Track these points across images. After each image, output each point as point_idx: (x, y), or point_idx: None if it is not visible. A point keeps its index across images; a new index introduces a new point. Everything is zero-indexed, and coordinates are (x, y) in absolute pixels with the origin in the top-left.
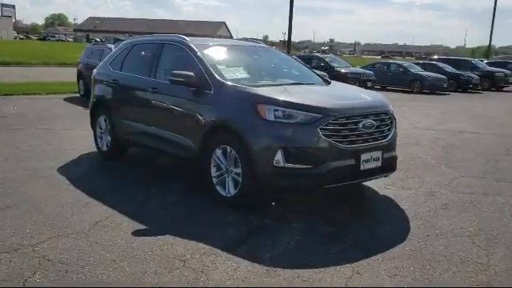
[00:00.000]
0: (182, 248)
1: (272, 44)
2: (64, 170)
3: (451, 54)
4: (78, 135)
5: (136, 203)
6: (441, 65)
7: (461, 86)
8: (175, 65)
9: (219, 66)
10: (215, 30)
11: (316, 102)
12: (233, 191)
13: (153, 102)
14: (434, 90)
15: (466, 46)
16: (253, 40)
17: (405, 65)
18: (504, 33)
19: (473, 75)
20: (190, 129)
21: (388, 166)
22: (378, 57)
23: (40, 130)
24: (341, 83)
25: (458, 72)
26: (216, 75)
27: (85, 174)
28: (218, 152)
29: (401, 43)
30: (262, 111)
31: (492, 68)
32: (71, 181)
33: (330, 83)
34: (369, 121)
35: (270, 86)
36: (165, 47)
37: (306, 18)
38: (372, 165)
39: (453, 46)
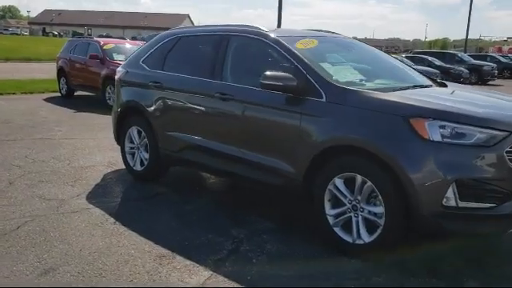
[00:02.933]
0: None
1: None
2: (96, 198)
3: (409, 47)
4: (86, 146)
5: (228, 252)
6: (430, 58)
7: (451, 80)
8: (252, 63)
9: (323, 65)
10: (178, 22)
11: (490, 113)
12: (366, 237)
13: (222, 110)
14: None
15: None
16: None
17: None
18: (458, 27)
19: (462, 69)
20: (286, 149)
21: None
22: None
23: (37, 140)
24: (456, 84)
25: (448, 66)
26: (327, 78)
27: (129, 206)
28: (338, 182)
29: (360, 37)
30: (422, 128)
31: (479, 61)
32: (117, 217)
33: (445, 85)
34: None
35: (398, 90)
36: (232, 40)
37: (263, 10)
38: None
39: (410, 38)
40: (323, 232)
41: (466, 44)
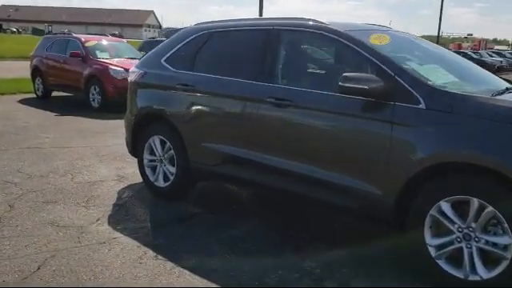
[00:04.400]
0: None
1: None
2: (120, 224)
3: None
4: (84, 156)
5: None
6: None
7: None
8: (315, 63)
9: (410, 64)
10: (143, 18)
11: None
12: (483, 272)
13: (277, 118)
14: None
15: None
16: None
17: None
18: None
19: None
20: (370, 165)
21: None
22: None
23: (25, 149)
24: None
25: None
26: (423, 80)
27: (165, 232)
28: (445, 206)
29: None
30: None
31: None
32: (156, 249)
33: None
34: None
35: (499, 94)
36: (284, 36)
37: (231, 7)
38: None
39: None
40: (420, 264)
41: (438, 41)
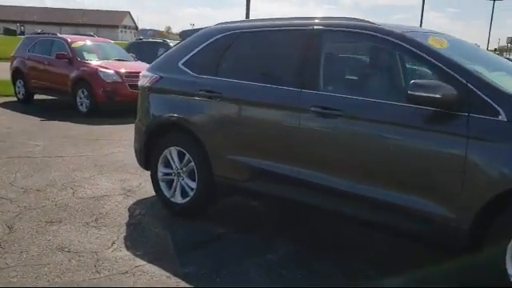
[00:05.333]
0: None
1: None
2: (140, 248)
3: None
4: (81, 166)
5: None
6: None
7: None
8: (368, 68)
9: (482, 72)
10: (119, 19)
11: None
12: None
13: (323, 130)
14: None
15: None
16: None
17: None
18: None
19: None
20: (439, 184)
21: None
22: None
23: (15, 159)
24: None
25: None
26: (501, 88)
27: (194, 258)
28: None
29: None
30: None
31: None
32: (190, 281)
33: None
34: None
35: None
36: (326, 37)
37: (207, 9)
38: None
39: None
40: None
41: None
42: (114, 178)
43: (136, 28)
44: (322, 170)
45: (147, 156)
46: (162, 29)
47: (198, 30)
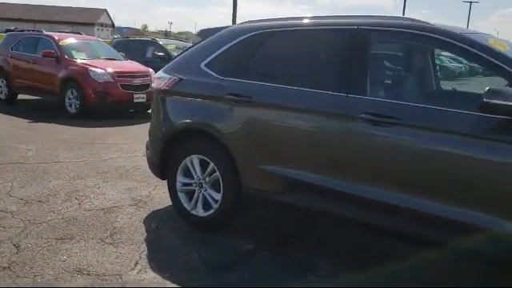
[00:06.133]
0: None
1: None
2: (166, 270)
3: None
4: (81, 173)
5: None
6: None
7: None
8: (425, 72)
9: None
10: (96, 17)
11: None
12: None
13: (375, 140)
14: None
15: None
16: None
17: None
18: None
19: None
20: None
21: None
22: None
23: (7, 165)
24: None
25: None
26: None
27: (227, 279)
28: None
29: None
30: None
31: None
32: None
33: None
34: None
35: None
36: (375, 38)
37: (183, 8)
38: None
39: None
40: None
41: None
42: (120, 187)
43: (113, 26)
44: (369, 182)
45: (163, 164)
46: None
47: (220, 28)
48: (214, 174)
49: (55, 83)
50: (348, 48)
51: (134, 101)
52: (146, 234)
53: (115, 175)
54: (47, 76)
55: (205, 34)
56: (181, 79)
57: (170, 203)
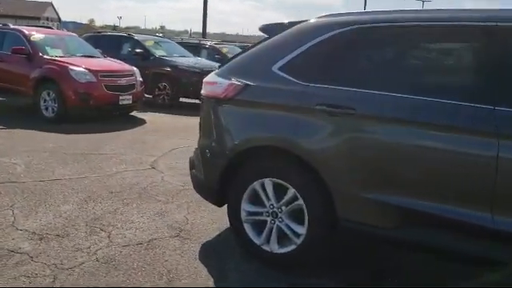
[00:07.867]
0: None
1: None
2: None
3: None
4: (92, 194)
5: None
6: None
7: None
8: None
9: None
10: (41, 10)
11: None
12: None
13: None
14: None
15: None
16: None
17: None
18: None
19: None
20: None
21: None
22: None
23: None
24: None
25: None
26: None
27: None
28: None
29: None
30: None
31: None
32: None
33: None
34: None
35: None
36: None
37: (131, 3)
38: None
39: None
40: None
41: None
42: (148, 211)
43: (59, 20)
44: None
45: (224, 190)
46: (85, 21)
47: (293, 23)
48: (296, 203)
49: (27, 83)
50: (484, 50)
51: (120, 103)
52: (211, 279)
53: (134, 195)
54: (17, 76)
55: (272, 30)
56: (247, 85)
57: (217, 232)
